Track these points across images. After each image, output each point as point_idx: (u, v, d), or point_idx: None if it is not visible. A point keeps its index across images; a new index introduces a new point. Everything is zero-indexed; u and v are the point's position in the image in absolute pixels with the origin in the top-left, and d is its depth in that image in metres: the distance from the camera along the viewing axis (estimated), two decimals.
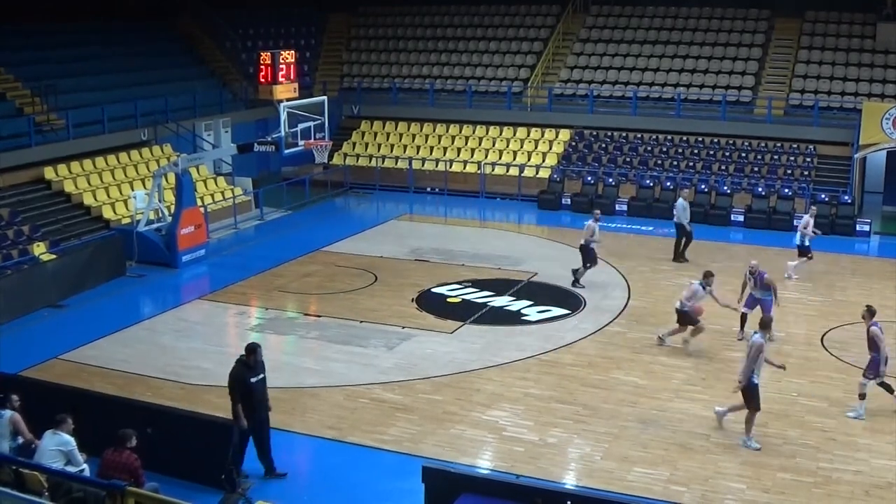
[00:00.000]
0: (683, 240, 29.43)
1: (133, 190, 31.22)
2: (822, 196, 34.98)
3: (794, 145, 38.62)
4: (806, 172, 37.34)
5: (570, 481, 15.97)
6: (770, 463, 16.44)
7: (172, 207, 29.46)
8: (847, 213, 34.48)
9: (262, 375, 15.71)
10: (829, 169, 37.55)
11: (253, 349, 15.73)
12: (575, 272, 26.75)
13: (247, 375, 15.51)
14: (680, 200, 29.46)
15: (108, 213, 31.07)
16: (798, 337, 22.96)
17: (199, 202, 31.55)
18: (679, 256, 29.32)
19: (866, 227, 33.82)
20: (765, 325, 17.42)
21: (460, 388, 19.63)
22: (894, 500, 15.33)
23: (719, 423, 17.65)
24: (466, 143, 41.76)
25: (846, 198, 34.95)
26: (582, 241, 26.67)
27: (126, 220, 30.46)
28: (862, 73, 40.18)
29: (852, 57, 41.14)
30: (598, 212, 27.74)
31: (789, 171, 37.36)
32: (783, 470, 16.21)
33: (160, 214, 29.72)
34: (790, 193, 35.19)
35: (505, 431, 17.69)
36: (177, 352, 21.83)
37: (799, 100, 39.50)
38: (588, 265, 26.68)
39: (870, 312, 18.64)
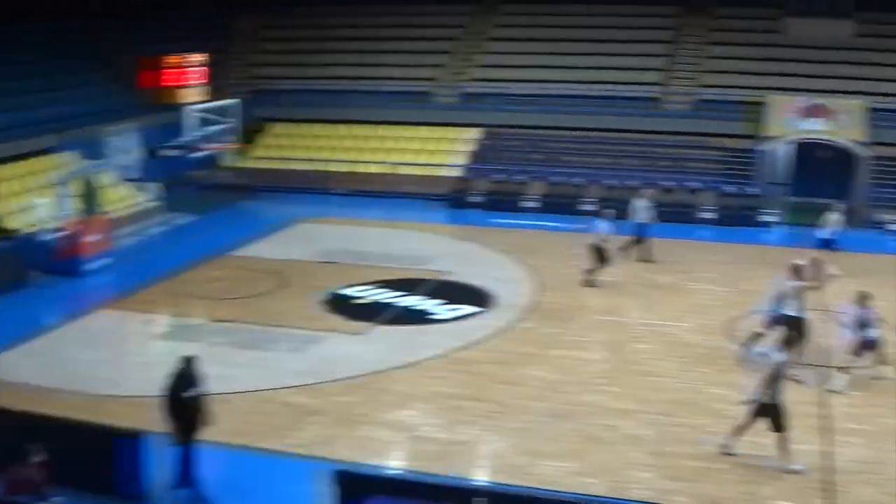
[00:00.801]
0: (638, 240, 29.06)
1: (36, 198, 30.57)
2: (730, 188, 35.44)
3: (703, 139, 39.05)
4: (714, 165, 37.78)
5: (481, 478, 15.87)
6: (679, 451, 16.52)
7: (77, 215, 28.93)
8: (753, 204, 34.98)
9: (197, 389, 15.24)
10: (736, 162, 38.07)
11: (187, 361, 15.34)
12: (591, 273, 26.61)
13: (181, 388, 15.13)
14: (638, 200, 29.28)
15: (10, 223, 30.40)
16: (705, 327, 23.21)
17: (104, 209, 31.03)
18: (645, 257, 29.00)
19: (772, 218, 34.36)
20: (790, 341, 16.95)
21: (371, 389, 19.47)
22: (799, 481, 15.53)
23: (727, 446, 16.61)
24: (377, 144, 41.62)
25: (753, 189, 35.44)
26: (594, 242, 26.47)
27: (29, 229, 29.83)
28: (768, 67, 40.76)
29: (759, 52, 41.75)
30: (612, 211, 27.54)
31: (697, 165, 37.76)
32: (692, 458, 16.29)
33: (63, 223, 29.13)
34: (698, 187, 35.58)
35: (416, 431, 17.56)
36: (81, 363, 21.35)
37: (707, 94, 39.96)
38: (605, 261, 26.52)
39: None
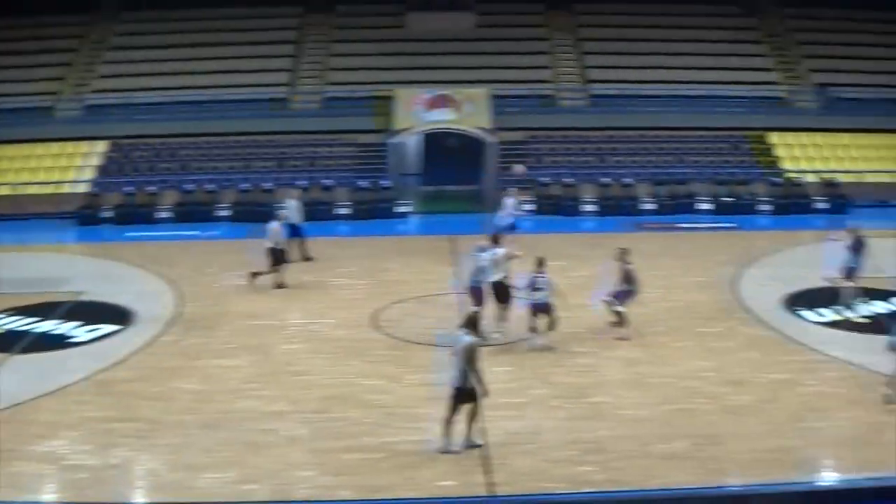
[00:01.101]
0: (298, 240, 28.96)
1: None
2: (364, 183, 36.11)
3: (333, 136, 39.54)
4: (346, 162, 38.36)
5: (139, 499, 15.50)
6: (336, 446, 16.63)
7: None
8: (387, 196, 35.82)
9: None
10: (369, 156, 38.84)
11: None
12: (255, 275, 26.25)
13: None
14: (290, 200, 29.12)
15: None
16: (351, 321, 23.51)
17: None
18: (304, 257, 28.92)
19: (406, 209, 35.33)
20: (473, 321, 17.07)
21: (14, 422, 18.35)
22: (458, 460, 16.01)
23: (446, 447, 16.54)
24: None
25: (385, 182, 36.27)
26: (271, 245, 26.10)
27: None
28: (393, 61, 41.82)
29: (384, 47, 42.76)
30: (284, 213, 27.42)
31: (330, 162, 38.24)
32: (350, 451, 16.44)
33: None
34: (332, 184, 36.00)
35: (65, 461, 16.72)
36: None
37: (335, 92, 40.46)
38: (278, 266, 26.22)
39: (623, 252, 22.07)
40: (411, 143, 39.34)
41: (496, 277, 21.67)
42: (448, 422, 16.34)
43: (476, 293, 21.69)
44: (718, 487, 15.35)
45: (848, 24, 45.96)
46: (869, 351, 21.51)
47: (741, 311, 24.72)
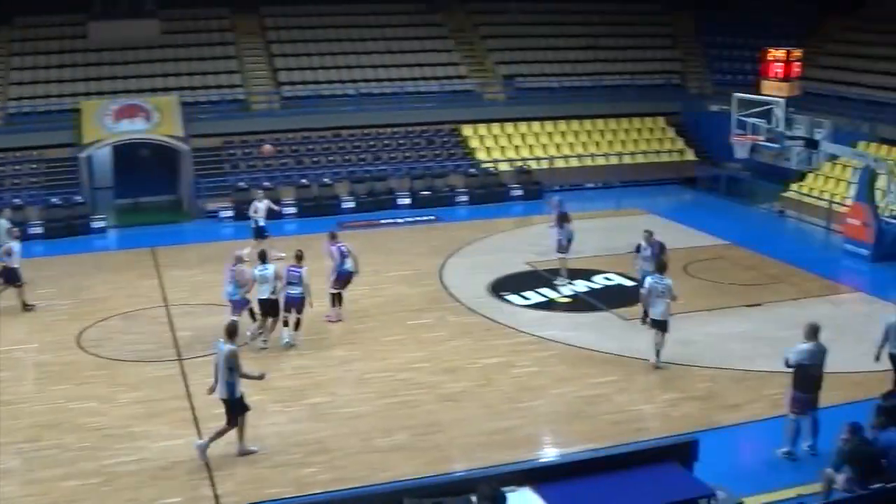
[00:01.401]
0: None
1: None
2: (55, 200, 34.82)
3: (19, 153, 37.86)
4: (35, 179, 36.84)
5: None
6: (52, 475, 16.03)
7: None
8: (82, 212, 34.70)
9: None
10: (58, 172, 37.34)
11: None
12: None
13: None
14: (2, 220, 27.37)
15: None
16: (55, 344, 22.57)
17: None
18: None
19: (102, 224, 34.34)
20: (232, 330, 16.60)
21: None
22: (181, 476, 15.87)
23: (202, 456, 16.35)
24: None
25: (78, 198, 35.13)
26: (6, 264, 24.76)
27: None
28: (78, 72, 40.46)
29: (67, 58, 41.29)
30: (17, 230, 26.22)
31: (17, 181, 36.59)
32: (67, 478, 15.91)
33: None
34: (21, 203, 34.46)
35: None
36: None
37: (19, 108, 38.72)
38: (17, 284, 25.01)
39: (332, 236, 23.46)
40: (101, 155, 38.20)
41: (264, 294, 21.52)
42: (220, 434, 16.34)
43: (236, 305, 21.68)
44: (443, 475, 15.71)
45: (527, 17, 47.87)
46: (575, 328, 22.72)
47: (449, 300, 25.45)
